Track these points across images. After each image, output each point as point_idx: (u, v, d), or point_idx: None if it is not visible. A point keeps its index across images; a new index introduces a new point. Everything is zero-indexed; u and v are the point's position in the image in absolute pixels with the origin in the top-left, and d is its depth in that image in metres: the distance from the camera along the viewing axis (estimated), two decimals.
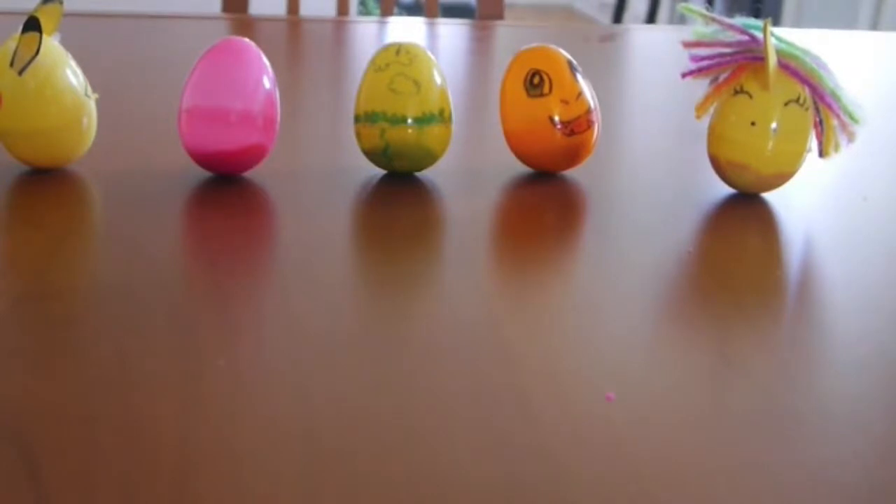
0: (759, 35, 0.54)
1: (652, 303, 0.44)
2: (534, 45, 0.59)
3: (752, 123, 0.54)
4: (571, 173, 0.61)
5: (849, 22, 3.25)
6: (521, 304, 0.43)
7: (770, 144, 0.54)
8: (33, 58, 0.53)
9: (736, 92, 0.55)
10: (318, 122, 0.72)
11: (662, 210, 0.56)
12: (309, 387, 0.36)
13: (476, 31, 1.17)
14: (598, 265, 0.48)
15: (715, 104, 0.57)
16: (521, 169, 0.61)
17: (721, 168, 0.57)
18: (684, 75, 0.57)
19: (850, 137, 0.56)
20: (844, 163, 0.64)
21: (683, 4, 0.58)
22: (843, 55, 1.09)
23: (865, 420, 0.35)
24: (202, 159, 0.56)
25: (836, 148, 0.56)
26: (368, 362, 0.38)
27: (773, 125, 0.54)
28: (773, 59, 0.53)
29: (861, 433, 0.34)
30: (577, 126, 0.57)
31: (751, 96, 0.54)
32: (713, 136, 0.57)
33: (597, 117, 0.59)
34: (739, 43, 0.55)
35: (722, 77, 0.56)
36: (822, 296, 0.46)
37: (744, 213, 0.56)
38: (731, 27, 0.56)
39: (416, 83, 0.56)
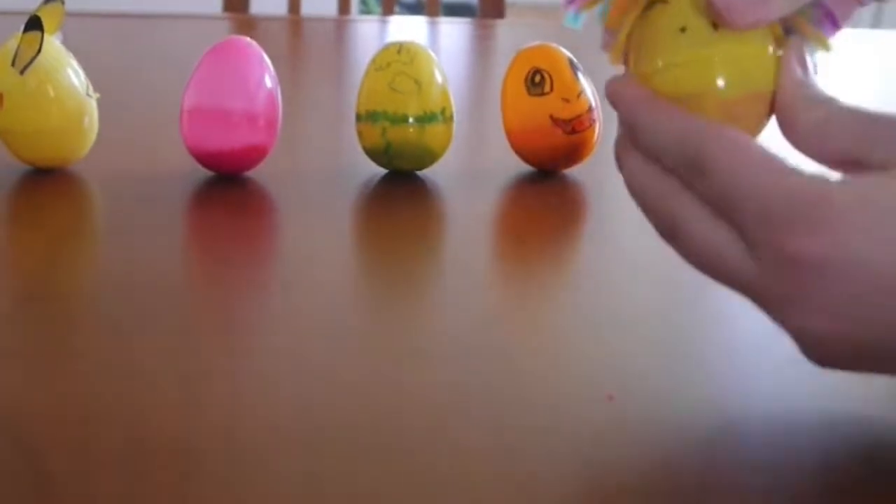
0: None
1: (652, 302, 0.44)
2: (535, 43, 0.59)
3: (682, 29, 0.35)
4: (572, 171, 0.61)
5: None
6: (521, 304, 0.43)
7: (719, 50, 0.34)
8: (35, 57, 0.53)
9: (646, 7, 0.36)
10: (320, 122, 0.72)
11: None
12: (309, 386, 0.36)
13: (477, 30, 1.17)
14: (599, 264, 0.48)
15: (626, 35, 0.37)
16: (523, 167, 0.61)
17: None
18: (567, 6, 0.40)
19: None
20: None
21: None
22: (844, 54, 1.09)
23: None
24: (204, 159, 0.56)
25: (824, 43, 0.35)
26: (369, 361, 0.38)
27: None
28: None
29: (862, 432, 0.34)
30: (579, 124, 0.57)
31: (666, 1, 0.35)
32: (639, 74, 0.36)
33: (598, 115, 0.59)
34: None
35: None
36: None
37: None
38: None
39: (417, 82, 0.56)
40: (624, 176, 0.36)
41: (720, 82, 0.34)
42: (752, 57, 0.34)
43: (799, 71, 0.34)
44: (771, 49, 0.34)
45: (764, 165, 0.30)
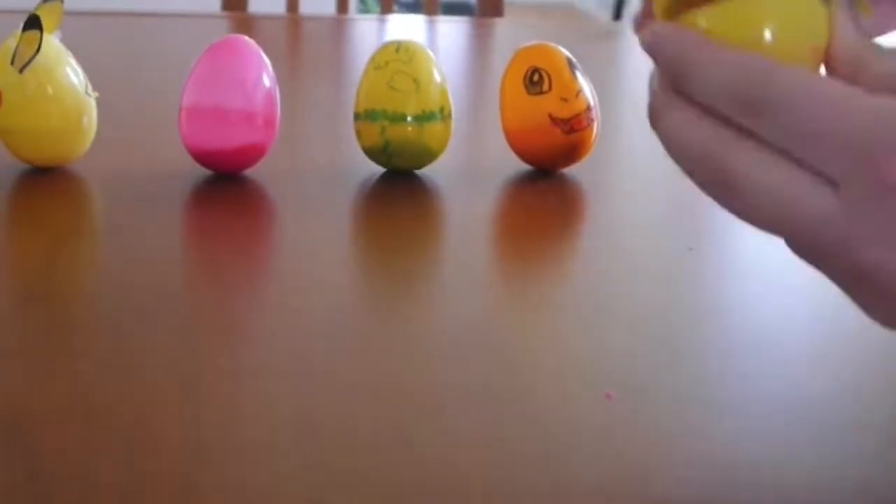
0: None
1: (651, 300, 0.44)
2: (533, 42, 0.59)
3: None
4: (571, 171, 0.61)
5: None
6: (521, 303, 0.43)
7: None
8: (34, 56, 0.53)
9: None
10: (318, 120, 0.72)
11: (662, 207, 0.56)
12: (309, 385, 0.36)
13: (476, 29, 1.17)
14: (598, 263, 0.48)
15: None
16: (521, 166, 0.61)
17: None
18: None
19: None
20: None
21: None
22: None
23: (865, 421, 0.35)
24: (202, 157, 0.56)
25: (866, 7, 0.34)
26: (368, 360, 0.38)
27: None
28: None
29: (861, 430, 0.34)
30: (577, 123, 0.57)
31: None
32: (681, 20, 0.33)
33: (596, 115, 0.59)
34: None
35: None
36: (832, 292, 0.46)
37: None
38: None
39: (416, 81, 0.56)
40: (664, 130, 0.32)
41: (770, 30, 0.32)
42: (803, 7, 0.32)
43: (853, 26, 0.32)
44: (819, 4, 0.32)
45: (841, 95, 0.28)
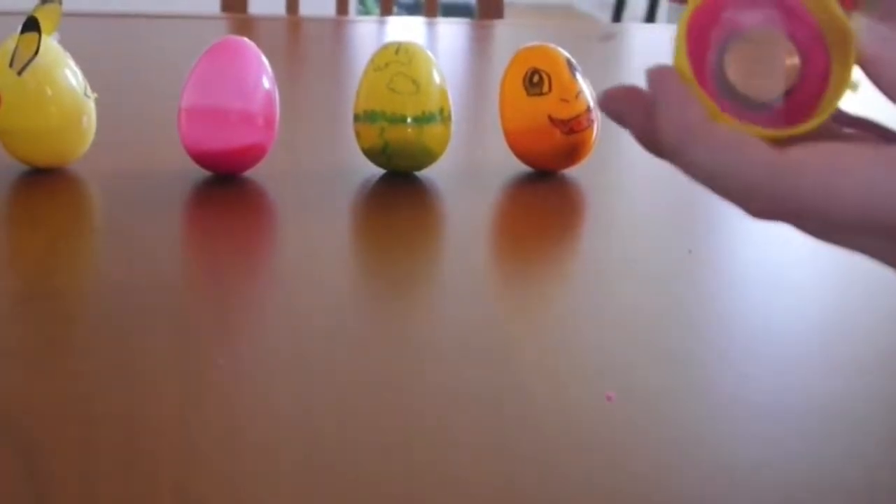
0: None
1: (651, 302, 0.44)
2: (533, 43, 0.59)
3: None
4: (571, 172, 0.61)
5: None
6: (521, 304, 0.43)
7: None
8: (33, 58, 0.53)
9: None
10: (318, 122, 0.72)
11: (662, 209, 0.56)
12: (309, 386, 0.36)
13: (475, 30, 1.17)
14: (598, 264, 0.48)
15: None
16: (521, 168, 0.61)
17: None
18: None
19: None
20: None
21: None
22: None
23: (865, 420, 0.35)
24: (202, 159, 0.56)
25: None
26: (368, 362, 0.38)
27: None
28: None
29: (860, 433, 0.34)
30: (577, 124, 0.57)
31: None
32: None
33: (596, 116, 0.59)
34: None
35: None
36: (832, 294, 0.46)
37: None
38: None
39: (416, 82, 0.56)
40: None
41: None
42: None
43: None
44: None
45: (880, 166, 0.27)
